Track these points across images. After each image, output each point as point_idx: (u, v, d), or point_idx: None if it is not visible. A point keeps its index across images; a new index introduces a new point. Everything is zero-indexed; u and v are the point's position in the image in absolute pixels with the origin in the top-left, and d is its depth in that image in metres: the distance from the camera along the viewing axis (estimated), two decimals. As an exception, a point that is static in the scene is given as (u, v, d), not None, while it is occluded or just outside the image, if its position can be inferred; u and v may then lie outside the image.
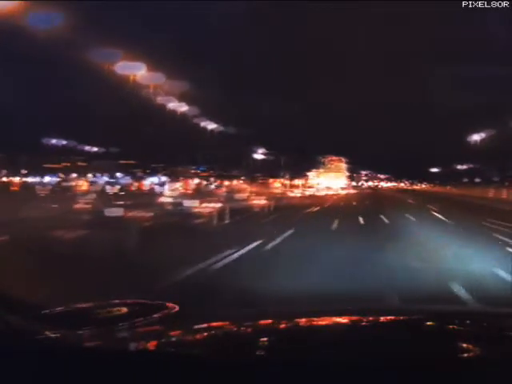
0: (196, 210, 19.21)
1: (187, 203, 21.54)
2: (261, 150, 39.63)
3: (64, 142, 30.57)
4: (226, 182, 38.18)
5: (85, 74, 19.74)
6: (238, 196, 28.93)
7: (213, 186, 37.20)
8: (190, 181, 36.86)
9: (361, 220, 16.84)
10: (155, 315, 1.83)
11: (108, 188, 31.26)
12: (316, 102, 31.68)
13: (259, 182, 39.49)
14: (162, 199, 24.98)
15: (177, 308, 1.92)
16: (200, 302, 4.36)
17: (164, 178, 35.85)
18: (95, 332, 1.58)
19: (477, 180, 42.47)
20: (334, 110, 33.28)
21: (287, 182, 43.16)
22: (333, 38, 21.87)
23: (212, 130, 31.46)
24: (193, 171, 37.51)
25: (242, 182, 38.50)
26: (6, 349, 1.31)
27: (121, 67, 20.42)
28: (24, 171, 31.79)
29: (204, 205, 21.16)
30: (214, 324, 1.84)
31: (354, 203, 29.45)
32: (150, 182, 35.73)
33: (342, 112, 33.16)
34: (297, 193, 40.28)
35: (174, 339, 1.67)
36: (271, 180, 41.67)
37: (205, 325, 1.81)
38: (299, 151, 42.58)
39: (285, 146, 39.16)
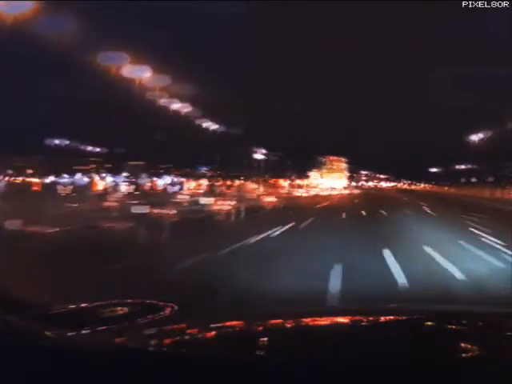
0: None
1: (136, 209, 18.54)
2: (260, 151, 38.83)
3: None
4: (193, 184, 34.21)
5: (81, 74, 19.59)
6: (203, 200, 24.92)
7: (175, 188, 33.05)
8: (158, 181, 33.49)
9: (335, 279, 6.78)
10: (155, 315, 1.84)
11: (60, 188, 27.86)
12: (316, 101, 31.64)
13: (235, 184, 36.48)
14: (109, 203, 21.95)
15: (177, 308, 1.93)
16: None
17: (122, 177, 31.74)
18: (95, 332, 1.58)
19: (489, 179, 39.53)
20: (333, 110, 33.25)
21: (268, 183, 39.10)
22: (333, 37, 21.86)
23: (207, 129, 30.36)
24: (162, 170, 33.89)
25: (223, 183, 35.79)
26: (6, 349, 1.31)
27: (104, 59, 19.77)
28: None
29: (156, 211, 18.39)
30: (214, 324, 1.84)
31: (344, 216, 20.16)
32: (106, 181, 31.44)
33: (341, 112, 33.14)
34: (278, 195, 34.80)
35: (174, 339, 1.67)
36: (250, 181, 37.87)
37: (204, 324, 1.82)
38: (299, 151, 42.16)
39: (285, 146, 38.90)
